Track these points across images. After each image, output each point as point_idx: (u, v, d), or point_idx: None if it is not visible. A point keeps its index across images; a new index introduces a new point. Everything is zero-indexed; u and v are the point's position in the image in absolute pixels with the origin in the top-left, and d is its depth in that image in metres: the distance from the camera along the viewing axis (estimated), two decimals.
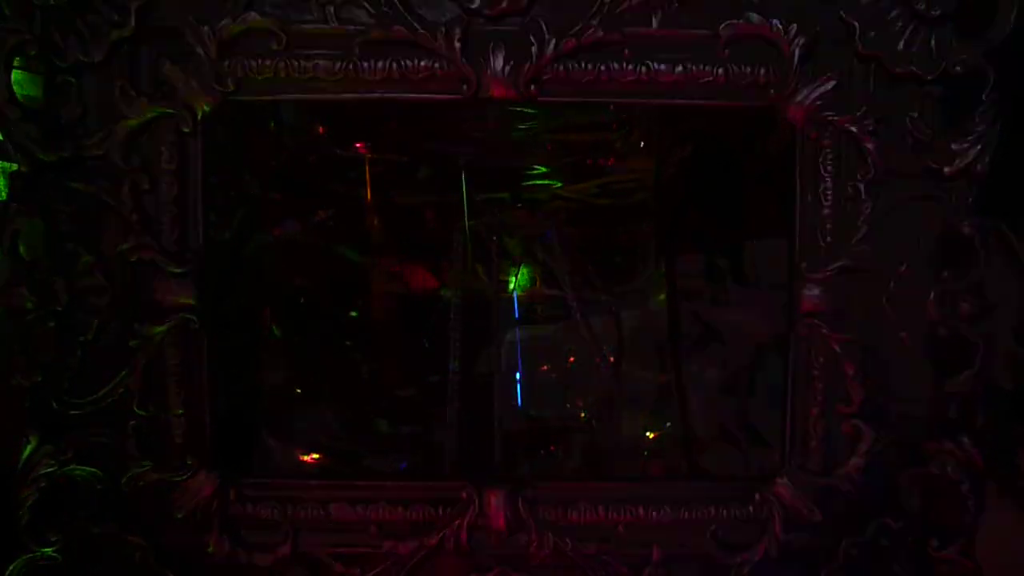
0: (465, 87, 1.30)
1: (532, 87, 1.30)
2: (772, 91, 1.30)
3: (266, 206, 1.66)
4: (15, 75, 1.28)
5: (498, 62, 1.29)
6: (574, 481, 1.57)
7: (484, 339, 1.69)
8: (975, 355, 1.34)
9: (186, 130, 1.31)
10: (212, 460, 1.38)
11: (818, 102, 1.30)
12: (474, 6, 1.28)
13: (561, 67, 1.29)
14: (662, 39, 1.29)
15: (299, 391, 1.72)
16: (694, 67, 1.30)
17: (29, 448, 1.34)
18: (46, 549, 1.35)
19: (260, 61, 1.29)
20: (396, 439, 1.71)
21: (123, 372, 1.35)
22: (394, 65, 1.29)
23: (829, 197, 1.33)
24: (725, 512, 1.40)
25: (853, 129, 1.30)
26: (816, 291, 1.34)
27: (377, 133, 1.66)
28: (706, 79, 1.30)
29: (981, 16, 1.27)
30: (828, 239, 1.34)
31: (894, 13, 1.28)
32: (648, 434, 1.73)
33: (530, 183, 1.69)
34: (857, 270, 1.34)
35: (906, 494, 1.39)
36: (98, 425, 1.36)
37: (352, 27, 1.29)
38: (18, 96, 1.28)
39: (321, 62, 1.29)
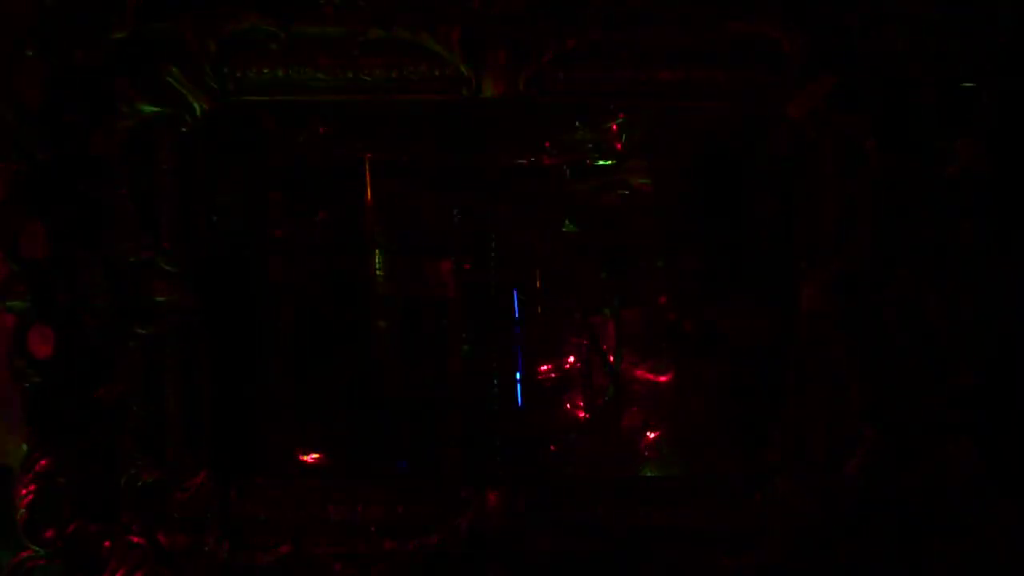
0: (465, 88, 1.30)
1: (532, 87, 1.30)
2: (773, 91, 1.31)
3: (266, 206, 1.66)
4: None
5: (498, 62, 1.29)
6: (574, 481, 1.57)
7: (485, 339, 1.69)
8: (975, 354, 1.34)
9: (186, 130, 1.31)
10: (212, 460, 1.39)
11: (818, 102, 1.30)
12: (474, 6, 1.28)
13: (561, 67, 1.29)
14: (662, 39, 1.30)
15: (299, 391, 1.72)
16: (694, 67, 1.30)
17: (28, 447, 1.35)
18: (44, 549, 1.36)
19: (260, 61, 1.29)
20: (396, 439, 1.71)
21: (122, 372, 1.35)
22: (394, 65, 1.29)
23: (829, 197, 1.33)
24: (725, 512, 1.40)
25: (853, 129, 1.30)
26: (816, 291, 1.34)
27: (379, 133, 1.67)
28: (706, 79, 1.30)
29: (981, 16, 1.27)
30: (828, 239, 1.34)
31: (894, 12, 1.28)
32: (648, 434, 1.73)
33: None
34: (857, 270, 1.34)
35: (906, 494, 1.39)
36: (97, 425, 1.36)
37: (352, 27, 1.29)
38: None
39: (321, 62, 1.29)
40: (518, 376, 1.71)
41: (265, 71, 1.30)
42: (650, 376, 1.73)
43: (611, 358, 1.71)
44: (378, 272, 1.71)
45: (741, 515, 1.40)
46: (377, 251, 1.70)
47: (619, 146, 1.68)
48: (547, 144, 1.69)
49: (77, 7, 1.26)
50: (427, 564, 1.40)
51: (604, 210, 1.70)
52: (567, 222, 1.68)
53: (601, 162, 1.70)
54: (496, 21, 1.29)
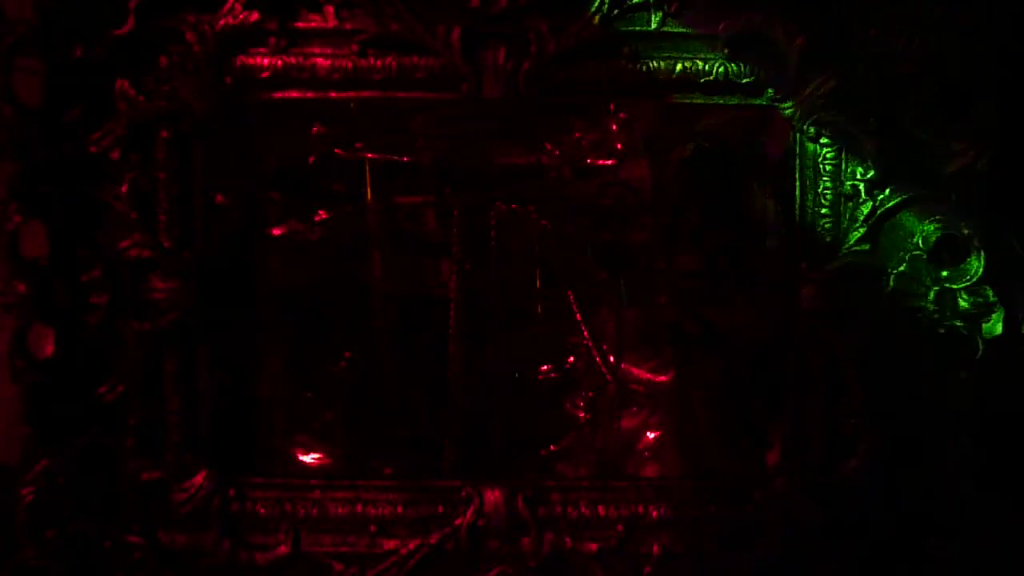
0: (464, 86, 1.30)
1: (532, 87, 1.30)
2: (772, 90, 1.31)
3: (266, 206, 1.66)
4: None
5: (497, 61, 1.29)
6: (574, 480, 1.57)
7: (484, 338, 1.69)
8: (975, 355, 1.34)
9: (185, 130, 1.31)
10: (211, 459, 1.39)
11: (818, 101, 1.30)
12: (474, 5, 1.28)
13: (561, 67, 1.30)
14: (662, 38, 1.30)
15: (299, 391, 1.72)
16: (694, 66, 1.30)
17: (28, 447, 1.35)
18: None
19: (260, 60, 1.29)
20: (396, 438, 1.71)
21: (122, 371, 1.35)
22: (393, 64, 1.29)
23: (829, 197, 1.33)
24: (725, 512, 1.40)
25: (853, 129, 1.30)
26: (816, 291, 1.34)
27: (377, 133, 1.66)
28: (706, 78, 1.30)
29: (981, 16, 1.27)
30: (828, 239, 1.34)
31: (894, 12, 1.29)
32: (648, 434, 1.73)
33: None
34: (857, 270, 1.34)
35: (906, 494, 1.39)
36: (97, 425, 1.36)
37: (352, 26, 1.29)
38: None
39: (321, 61, 1.30)
40: (518, 376, 1.71)
41: (265, 69, 1.30)
42: (650, 376, 1.73)
43: (611, 358, 1.71)
44: (378, 272, 1.71)
45: (741, 515, 1.40)
46: (377, 251, 1.70)
47: (619, 146, 1.68)
48: (547, 144, 1.69)
49: (77, 5, 1.26)
50: (427, 564, 1.40)
51: (604, 210, 1.70)
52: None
53: (601, 162, 1.70)
54: (496, 20, 1.29)
